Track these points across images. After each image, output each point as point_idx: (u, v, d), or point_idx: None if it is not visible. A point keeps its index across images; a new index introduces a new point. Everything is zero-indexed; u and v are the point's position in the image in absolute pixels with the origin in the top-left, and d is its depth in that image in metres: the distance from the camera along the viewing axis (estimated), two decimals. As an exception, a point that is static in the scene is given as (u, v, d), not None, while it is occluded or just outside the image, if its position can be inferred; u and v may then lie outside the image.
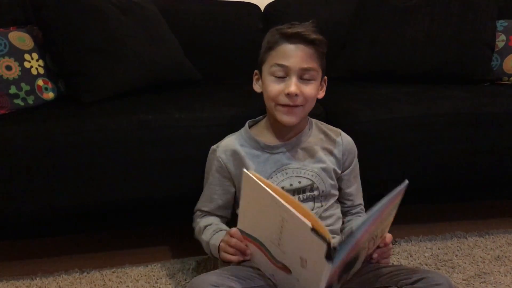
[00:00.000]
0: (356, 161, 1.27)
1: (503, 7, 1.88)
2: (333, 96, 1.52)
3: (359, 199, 1.29)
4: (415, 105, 1.46)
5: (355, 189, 1.27)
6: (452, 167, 1.48)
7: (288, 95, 1.11)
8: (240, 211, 1.01)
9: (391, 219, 1.01)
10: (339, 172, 1.23)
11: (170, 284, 1.34)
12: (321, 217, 1.17)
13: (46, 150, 1.26)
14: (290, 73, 1.12)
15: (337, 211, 1.24)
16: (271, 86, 1.14)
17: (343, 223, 1.25)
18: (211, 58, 1.96)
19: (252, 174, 0.91)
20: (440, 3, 1.81)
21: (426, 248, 1.51)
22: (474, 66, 1.77)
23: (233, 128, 1.26)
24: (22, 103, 1.42)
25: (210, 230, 1.18)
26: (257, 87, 1.22)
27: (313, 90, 1.14)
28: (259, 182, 0.90)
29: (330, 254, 0.81)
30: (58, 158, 1.27)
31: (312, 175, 1.19)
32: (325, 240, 0.81)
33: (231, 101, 1.46)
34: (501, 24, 1.87)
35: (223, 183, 1.22)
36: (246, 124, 1.24)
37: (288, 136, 1.20)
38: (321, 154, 1.21)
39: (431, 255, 1.47)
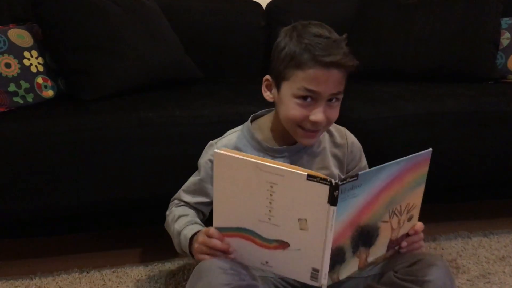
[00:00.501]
0: (361, 164, 1.19)
1: (508, 4, 1.86)
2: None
3: None
4: (419, 103, 1.44)
5: None
6: (456, 166, 1.46)
7: (314, 122, 1.01)
8: (215, 206, 0.93)
9: (418, 198, 0.97)
10: (343, 175, 1.16)
11: (170, 284, 1.33)
12: None
13: (46, 149, 1.25)
14: (319, 99, 0.99)
15: None
16: (295, 110, 1.01)
17: None
18: (212, 56, 1.95)
19: (225, 151, 0.85)
20: (444, 0, 1.79)
21: (430, 248, 1.49)
22: (479, 64, 1.75)
23: (235, 126, 1.23)
24: (21, 101, 1.41)
25: (184, 220, 1.10)
26: (268, 96, 1.08)
27: (337, 112, 1.04)
28: (236, 155, 0.84)
29: (332, 194, 0.78)
30: (57, 156, 1.25)
31: None
32: (325, 181, 0.78)
33: (232, 99, 1.45)
34: (505, 21, 1.84)
35: (211, 182, 1.10)
36: (249, 121, 1.15)
37: (292, 140, 1.10)
38: (326, 158, 1.13)
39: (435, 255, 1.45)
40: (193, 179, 1.17)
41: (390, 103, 1.44)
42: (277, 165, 0.82)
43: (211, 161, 1.11)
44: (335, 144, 1.15)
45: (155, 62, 1.62)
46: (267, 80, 1.08)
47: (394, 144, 1.39)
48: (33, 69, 1.47)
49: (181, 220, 1.11)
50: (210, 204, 1.15)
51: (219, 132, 1.25)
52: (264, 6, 2.09)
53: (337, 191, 0.78)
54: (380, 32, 1.83)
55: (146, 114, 1.31)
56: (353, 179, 0.79)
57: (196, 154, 1.27)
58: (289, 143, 1.11)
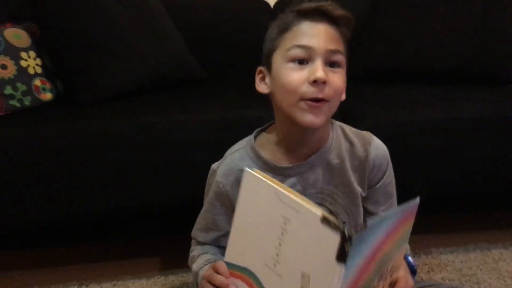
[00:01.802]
0: (389, 177, 1.03)
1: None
2: (349, 97, 1.43)
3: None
4: (437, 108, 1.36)
5: (384, 211, 1.03)
6: (476, 174, 1.38)
7: (315, 82, 0.86)
8: (232, 235, 0.85)
9: (400, 258, 0.86)
10: (365, 194, 1.01)
11: (173, 299, 1.27)
12: None
13: (43, 155, 1.19)
14: (315, 56, 0.87)
15: None
16: (290, 75, 0.87)
17: None
18: (218, 56, 1.89)
19: (255, 171, 0.78)
20: (462, -2, 1.72)
21: (448, 261, 1.41)
22: (499, 66, 1.67)
23: (242, 132, 1.14)
24: (18, 104, 1.37)
25: (204, 259, 1.01)
26: (262, 87, 0.96)
27: (341, 81, 0.89)
28: (262, 178, 0.77)
29: (344, 249, 0.66)
30: (54, 164, 1.19)
31: (331, 203, 0.98)
32: (337, 229, 0.67)
33: (239, 102, 1.38)
34: (526, 21, 1.76)
35: (223, 212, 1.01)
36: (252, 138, 1.00)
37: (305, 152, 0.96)
38: (346, 173, 0.98)
39: (454, 269, 1.37)
40: (200, 214, 1.06)
41: (406, 108, 1.36)
42: (295, 196, 0.73)
43: (218, 188, 0.99)
44: (355, 156, 1.00)
45: (158, 62, 1.56)
46: (259, 72, 0.96)
47: (412, 153, 1.31)
48: (31, 71, 1.42)
49: (200, 258, 1.02)
50: (228, 234, 1.03)
51: (225, 139, 1.17)
52: (272, 4, 2.03)
53: (348, 244, 0.66)
54: (393, 31, 1.76)
55: (148, 119, 1.25)
56: (362, 231, 0.68)
57: (201, 162, 1.19)
58: (300, 157, 0.96)
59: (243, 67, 1.89)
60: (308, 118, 0.88)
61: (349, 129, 1.02)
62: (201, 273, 0.97)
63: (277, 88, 0.91)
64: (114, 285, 1.33)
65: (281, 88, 0.90)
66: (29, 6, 1.46)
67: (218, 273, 0.86)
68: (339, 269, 0.67)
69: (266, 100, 1.23)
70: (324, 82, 0.86)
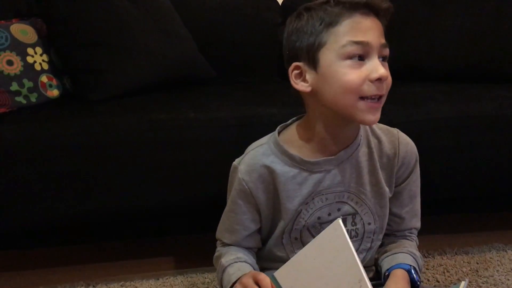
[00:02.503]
0: (414, 175, 1.01)
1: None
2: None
3: (412, 222, 1.04)
4: (453, 105, 1.33)
5: (406, 211, 1.02)
6: (492, 173, 1.35)
7: (378, 80, 0.84)
8: (293, 262, 0.82)
9: None
10: (391, 194, 0.99)
11: (183, 300, 1.25)
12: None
13: (49, 153, 1.17)
14: (371, 52, 0.84)
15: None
16: (349, 74, 0.83)
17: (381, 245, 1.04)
18: (225, 54, 1.86)
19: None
20: (475, -7, 1.69)
21: (463, 262, 1.38)
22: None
23: (255, 129, 1.11)
24: (24, 101, 1.35)
25: (233, 255, 0.98)
26: (302, 85, 0.89)
27: (389, 74, 0.88)
28: (348, 241, 0.75)
29: None
30: (62, 162, 1.17)
31: (356, 202, 0.96)
32: None
33: (251, 100, 1.36)
34: (540, 18, 1.73)
35: (247, 210, 0.97)
36: (276, 133, 0.96)
37: (333, 149, 0.93)
38: (375, 171, 0.96)
39: (470, 270, 1.34)
40: (226, 213, 1.02)
41: (421, 105, 1.33)
42: None
43: (241, 186, 0.96)
44: (383, 153, 0.97)
45: (166, 60, 1.54)
46: (295, 67, 0.89)
47: (428, 150, 1.27)
48: (37, 67, 1.40)
49: (228, 255, 0.99)
50: (254, 236, 1.02)
51: (237, 137, 1.16)
52: (280, 2, 2.00)
53: None
54: (404, 29, 1.73)
55: (158, 116, 1.22)
56: None
57: (213, 160, 1.18)
58: (328, 153, 0.93)
59: (250, 65, 1.89)
60: (369, 118, 0.86)
61: (376, 125, 0.99)
62: (229, 270, 0.94)
63: (330, 87, 0.86)
64: (122, 285, 1.30)
65: (337, 87, 0.86)
66: (36, 2, 1.44)
67: (257, 284, 0.84)
68: None
69: (278, 98, 1.21)
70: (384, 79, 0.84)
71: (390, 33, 1.71)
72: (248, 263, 0.97)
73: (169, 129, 1.20)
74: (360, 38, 0.83)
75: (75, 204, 1.21)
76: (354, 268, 0.72)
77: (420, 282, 0.95)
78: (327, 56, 0.85)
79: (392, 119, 1.29)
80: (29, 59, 1.39)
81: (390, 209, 1.00)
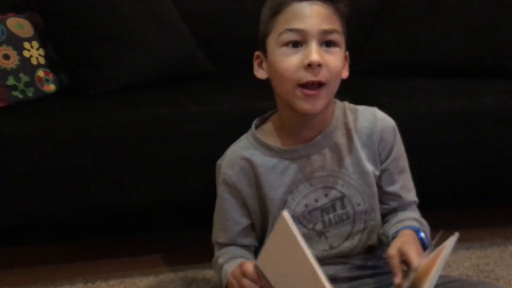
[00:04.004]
0: (398, 151, 0.99)
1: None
2: (361, 89, 1.40)
3: (409, 196, 1.01)
4: (456, 100, 1.33)
5: (399, 187, 0.99)
6: (493, 167, 1.36)
7: (309, 66, 0.82)
8: (264, 249, 0.81)
9: None
10: (378, 172, 0.97)
11: (183, 297, 1.25)
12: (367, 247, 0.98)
13: (49, 148, 1.16)
14: (308, 39, 0.84)
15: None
16: (284, 61, 0.85)
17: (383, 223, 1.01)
18: (223, 49, 1.84)
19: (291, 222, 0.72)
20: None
21: (465, 257, 1.38)
22: (511, 59, 1.63)
23: None
24: (21, 96, 1.34)
25: (229, 255, 0.98)
26: (261, 73, 0.93)
27: (339, 61, 0.86)
28: (296, 237, 0.70)
29: None
30: (61, 156, 1.17)
31: (342, 185, 0.94)
32: None
33: (251, 94, 1.34)
34: (538, 14, 1.74)
35: (235, 205, 0.97)
36: (253, 127, 0.98)
37: (310, 135, 0.93)
38: (356, 151, 0.94)
39: (471, 265, 1.34)
40: (216, 212, 1.02)
41: (424, 99, 1.33)
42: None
43: (225, 180, 0.97)
44: (362, 131, 0.96)
45: (165, 54, 1.53)
46: (257, 57, 0.94)
47: (428, 145, 1.28)
48: (34, 61, 1.39)
49: (224, 255, 0.98)
50: (248, 232, 1.00)
51: (239, 130, 1.14)
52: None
53: None
54: (405, 23, 1.73)
55: (159, 110, 1.21)
56: None
57: (215, 154, 1.16)
58: (305, 140, 0.93)
59: (249, 61, 1.87)
60: (305, 106, 0.86)
61: (353, 106, 0.99)
62: (226, 266, 0.94)
63: (274, 74, 0.89)
64: (121, 282, 1.29)
65: (277, 74, 0.88)
66: (33, -4, 1.42)
67: (245, 275, 0.82)
68: None
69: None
70: (319, 65, 0.83)
71: (389, 30, 1.73)
72: (244, 258, 0.96)
73: (171, 123, 1.19)
74: (295, 25, 0.84)
75: (73, 199, 1.20)
76: (306, 264, 0.70)
77: (429, 243, 0.91)
78: (270, 44, 0.88)
79: (393, 113, 1.26)
80: (26, 53, 1.37)
81: (383, 188, 0.99)
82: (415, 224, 0.94)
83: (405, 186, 1.01)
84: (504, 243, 1.46)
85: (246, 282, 0.81)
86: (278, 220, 0.73)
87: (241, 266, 0.83)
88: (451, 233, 0.78)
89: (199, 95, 1.33)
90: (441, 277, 0.91)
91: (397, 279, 0.79)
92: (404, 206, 1.01)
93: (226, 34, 1.83)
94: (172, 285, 1.27)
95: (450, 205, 1.45)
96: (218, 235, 1.02)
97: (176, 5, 1.69)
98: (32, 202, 1.18)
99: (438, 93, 1.37)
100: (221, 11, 1.83)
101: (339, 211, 0.95)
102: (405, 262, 0.81)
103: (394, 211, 1.01)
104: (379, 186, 0.98)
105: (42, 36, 1.43)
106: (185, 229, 1.47)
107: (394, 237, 0.91)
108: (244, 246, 1.00)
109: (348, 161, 0.95)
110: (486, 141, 1.32)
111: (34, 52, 1.40)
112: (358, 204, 0.96)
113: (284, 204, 0.94)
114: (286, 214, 0.71)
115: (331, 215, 0.95)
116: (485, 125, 1.31)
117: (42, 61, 1.40)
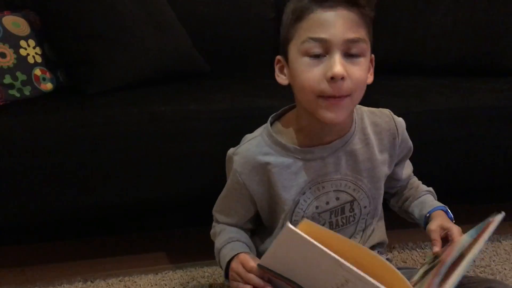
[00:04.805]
0: (411, 146, 1.03)
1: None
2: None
3: (408, 174, 1.07)
4: (452, 98, 1.35)
5: (406, 173, 1.06)
6: (488, 164, 1.38)
7: (332, 79, 0.79)
8: (269, 252, 0.79)
9: None
10: (390, 171, 1.00)
11: (183, 294, 1.24)
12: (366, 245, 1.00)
13: (47, 146, 1.15)
14: (331, 49, 0.80)
15: (381, 227, 1.03)
16: (305, 72, 0.82)
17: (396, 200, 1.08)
18: (218, 49, 1.83)
19: (300, 229, 0.70)
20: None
21: (460, 252, 1.40)
22: (503, 57, 1.66)
23: (256, 121, 1.08)
24: (17, 94, 1.33)
25: (226, 236, 0.98)
26: (282, 79, 0.90)
27: (363, 71, 0.83)
28: (313, 242, 0.70)
29: None
30: (60, 155, 1.16)
31: (354, 189, 0.94)
32: None
33: (250, 92, 1.35)
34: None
35: (240, 200, 0.97)
36: (268, 124, 0.95)
37: (327, 139, 0.91)
38: (373, 157, 0.95)
39: (467, 260, 1.36)
40: (221, 198, 1.02)
41: (418, 98, 1.35)
42: (360, 271, 0.68)
43: (235, 177, 0.95)
44: (383, 136, 0.97)
45: (161, 53, 1.52)
46: (278, 61, 0.90)
47: (427, 141, 1.29)
48: (30, 60, 1.38)
49: (221, 235, 0.99)
50: (248, 222, 1.01)
51: (239, 128, 1.14)
52: (273, -5, 1.98)
53: None
54: (398, 23, 1.74)
55: (159, 108, 1.21)
56: None
57: (215, 152, 1.17)
58: (322, 143, 0.91)
59: (243, 61, 1.88)
60: (329, 115, 0.83)
61: (369, 110, 0.99)
62: (223, 251, 0.95)
63: (295, 82, 0.86)
64: (120, 280, 1.28)
65: (297, 84, 0.85)
66: (29, -6, 1.41)
67: (251, 271, 0.84)
68: None
69: (277, 90, 1.20)
70: (342, 78, 0.80)
71: (383, 28, 1.74)
72: (241, 241, 0.97)
73: (170, 121, 1.19)
74: (318, 34, 0.80)
75: (72, 198, 1.19)
76: (347, 269, 0.68)
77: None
78: (292, 52, 0.84)
79: (391, 111, 1.30)
80: (22, 52, 1.36)
81: (392, 178, 1.04)
82: (436, 202, 1.04)
83: (407, 168, 1.07)
84: (498, 239, 1.48)
85: (249, 276, 0.83)
86: (283, 232, 0.73)
87: (242, 262, 0.85)
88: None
89: (197, 94, 1.33)
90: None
91: (436, 248, 0.88)
92: (407, 180, 1.08)
93: (218, 35, 1.82)
94: (171, 283, 1.27)
95: (445, 202, 1.46)
96: (218, 216, 1.03)
97: (171, 5, 1.69)
98: (29, 201, 1.17)
99: (434, 91, 1.39)
100: (214, 13, 1.82)
101: (347, 213, 0.96)
102: (446, 237, 0.91)
103: (400, 187, 1.08)
104: (388, 177, 1.01)
105: (39, 35, 1.42)
106: (184, 227, 1.46)
107: (426, 216, 0.99)
108: (242, 229, 1.01)
109: (362, 166, 0.95)
110: (480, 138, 1.34)
111: (31, 51, 1.38)
112: (365, 207, 0.97)
113: (296, 205, 0.94)
114: (290, 227, 0.70)
115: (339, 217, 0.96)
116: (479, 123, 1.33)
117: (38, 59, 1.39)
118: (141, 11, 1.54)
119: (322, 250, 0.69)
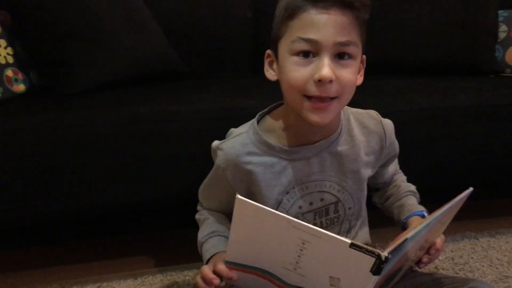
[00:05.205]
0: (397, 147, 1.05)
1: (503, -4, 1.82)
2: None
3: (392, 173, 1.08)
4: (431, 97, 1.36)
5: (391, 172, 1.07)
6: (466, 163, 1.39)
7: (320, 82, 0.79)
8: (230, 243, 0.80)
9: (445, 225, 0.92)
10: (373, 172, 1.01)
11: (164, 299, 1.21)
12: None
13: (23, 149, 1.10)
14: (321, 51, 0.79)
15: (365, 229, 1.04)
16: (293, 71, 0.81)
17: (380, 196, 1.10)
18: (195, 49, 1.82)
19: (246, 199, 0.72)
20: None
21: (439, 250, 1.41)
22: (479, 57, 1.70)
23: (238, 121, 1.06)
24: None
25: (208, 230, 0.98)
26: (270, 74, 0.89)
27: (352, 74, 0.82)
28: (262, 206, 0.71)
29: (379, 267, 0.67)
30: (37, 157, 1.11)
31: (338, 190, 0.95)
32: (373, 254, 0.67)
33: (230, 92, 1.34)
34: (501, 14, 1.81)
35: (224, 190, 0.97)
36: (255, 121, 0.94)
37: (313, 139, 0.91)
38: (358, 159, 0.95)
39: (446, 258, 1.37)
40: (205, 184, 1.05)
41: (399, 97, 1.35)
42: (311, 225, 0.70)
43: (218, 172, 0.95)
44: (371, 138, 0.97)
45: (137, 53, 1.50)
46: (268, 55, 0.90)
47: (407, 141, 1.28)
48: (2, 61, 1.34)
49: (204, 227, 1.00)
50: (229, 205, 1.00)
51: (221, 129, 1.13)
52: (251, -4, 1.97)
53: (384, 264, 0.67)
54: (373, 23, 1.73)
55: (138, 109, 1.17)
56: (402, 245, 0.70)
57: (196, 153, 1.15)
58: (307, 142, 0.91)
59: (221, 61, 1.86)
60: (314, 118, 0.83)
61: (356, 111, 0.99)
62: (205, 246, 0.96)
63: (282, 80, 0.86)
64: (98, 286, 1.25)
65: (285, 82, 0.85)
66: (0, -8, 1.37)
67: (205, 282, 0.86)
68: (374, 278, 0.69)
69: (256, 90, 1.19)
70: (330, 81, 0.79)
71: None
72: (222, 235, 0.96)
73: (150, 122, 1.16)
74: (308, 35, 0.80)
75: (49, 202, 1.14)
76: (300, 227, 0.70)
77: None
78: (282, 49, 0.84)
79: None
80: (-7, 52, 1.32)
81: (376, 179, 1.05)
82: (416, 206, 1.04)
83: (393, 167, 1.08)
84: (475, 236, 1.50)
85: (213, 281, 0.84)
86: (235, 206, 0.74)
87: (214, 266, 0.86)
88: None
89: (178, 95, 1.31)
90: (429, 275, 0.95)
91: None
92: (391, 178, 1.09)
93: (195, 35, 1.80)
94: (152, 288, 1.25)
95: (426, 200, 1.47)
96: (203, 201, 1.06)
97: (147, 4, 1.66)
98: (3, 205, 1.12)
99: (412, 91, 1.40)
100: (191, 12, 1.80)
101: (332, 215, 0.96)
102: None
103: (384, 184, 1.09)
104: (373, 177, 1.02)
105: (10, 35, 1.38)
106: (164, 230, 1.43)
107: (404, 221, 1.00)
108: (225, 214, 1.02)
109: (347, 167, 0.95)
110: (460, 137, 1.35)
111: (2, 51, 1.34)
112: (349, 208, 0.98)
113: (278, 204, 0.94)
114: (239, 196, 0.72)
115: (323, 218, 0.96)
116: (459, 121, 1.34)
117: (10, 60, 1.35)
118: (117, 10, 1.51)
119: (272, 212, 0.71)
